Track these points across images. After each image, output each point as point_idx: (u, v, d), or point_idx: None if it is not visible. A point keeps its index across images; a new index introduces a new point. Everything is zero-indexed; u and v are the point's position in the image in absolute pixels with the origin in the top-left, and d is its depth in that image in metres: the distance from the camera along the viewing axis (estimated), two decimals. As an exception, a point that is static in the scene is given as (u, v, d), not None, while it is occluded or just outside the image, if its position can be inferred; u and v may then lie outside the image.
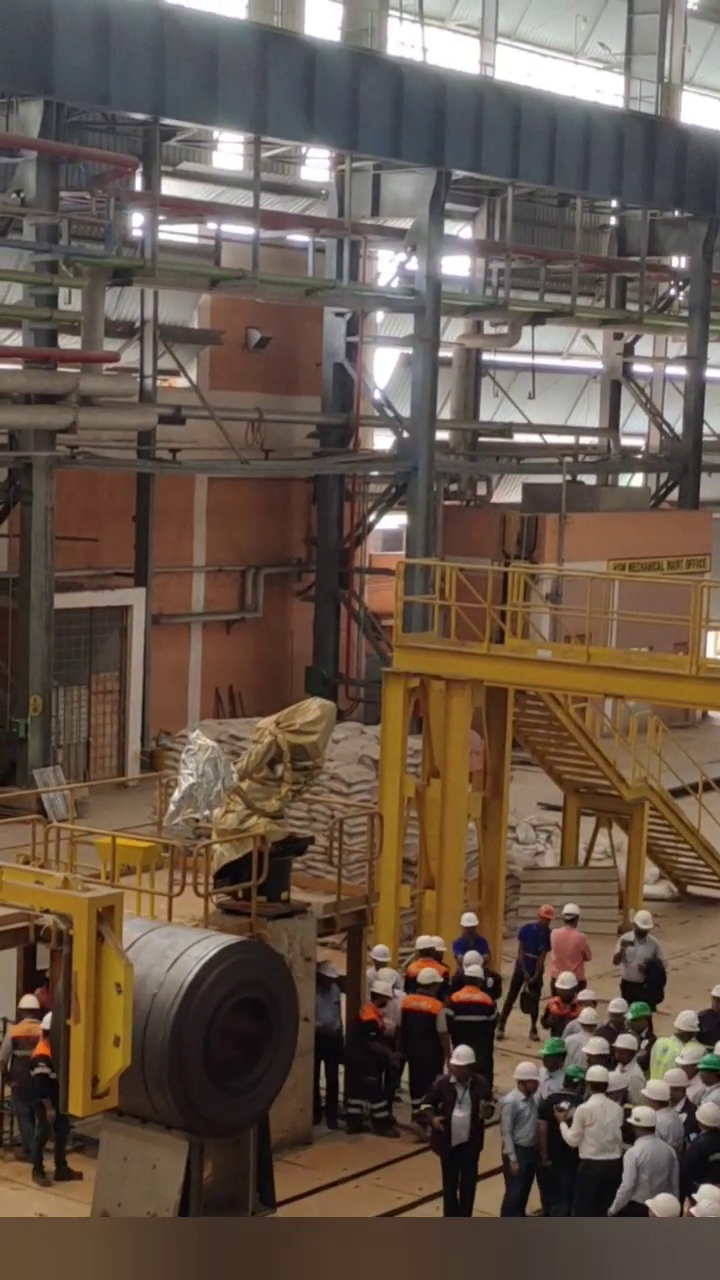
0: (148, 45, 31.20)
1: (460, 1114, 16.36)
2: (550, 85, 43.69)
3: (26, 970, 18.10)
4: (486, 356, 43.22)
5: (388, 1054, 18.76)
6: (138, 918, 16.26)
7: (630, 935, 21.60)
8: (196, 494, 37.59)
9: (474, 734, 22.76)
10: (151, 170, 32.97)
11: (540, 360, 44.07)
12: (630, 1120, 15.52)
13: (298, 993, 16.56)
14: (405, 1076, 19.03)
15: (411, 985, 18.99)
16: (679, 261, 46.21)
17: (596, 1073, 16.05)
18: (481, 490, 43.60)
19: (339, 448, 38.71)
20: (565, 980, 19.52)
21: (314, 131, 34.72)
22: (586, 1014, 18.09)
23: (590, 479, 44.77)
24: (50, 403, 30.87)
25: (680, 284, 46.29)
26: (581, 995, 19.04)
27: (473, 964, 19.25)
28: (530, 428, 43.82)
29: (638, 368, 46.96)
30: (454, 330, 41.69)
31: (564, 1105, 16.07)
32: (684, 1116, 15.79)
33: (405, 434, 37.85)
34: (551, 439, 44.78)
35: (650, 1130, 15.26)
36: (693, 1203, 13.84)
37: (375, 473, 39.48)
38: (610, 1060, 16.59)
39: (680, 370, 45.87)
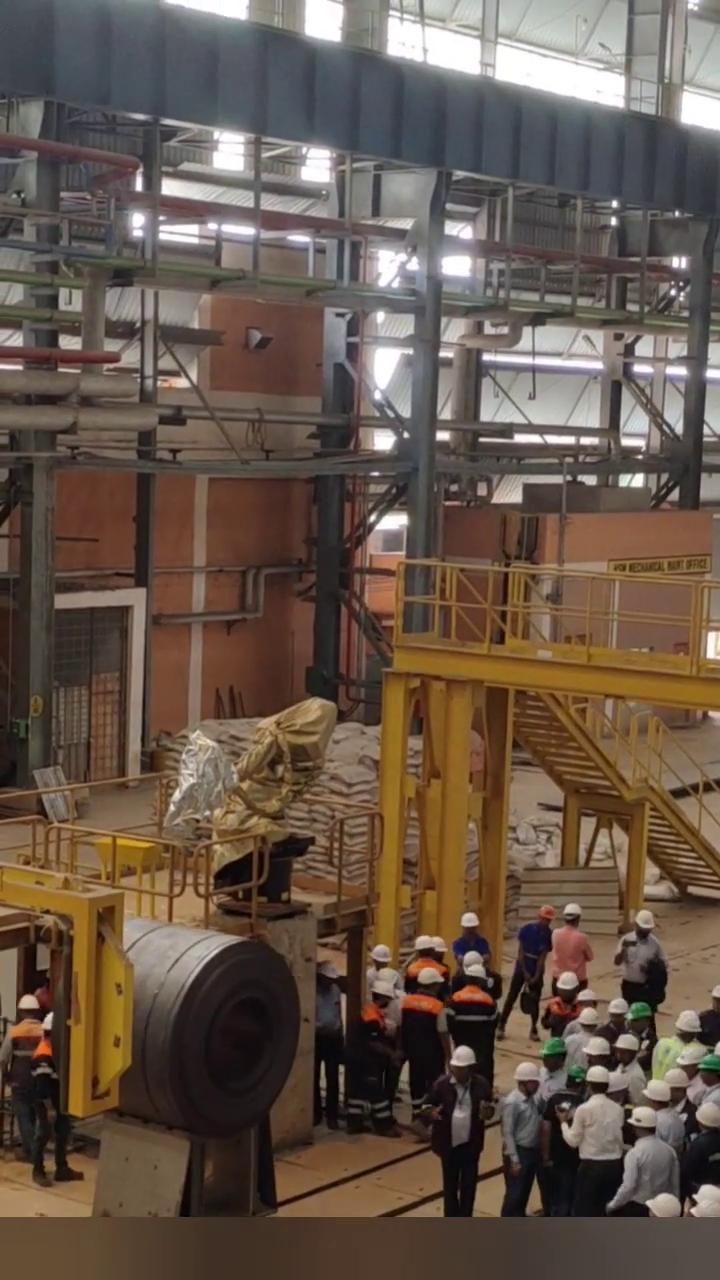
0: (148, 45, 31.21)
1: (460, 1115, 16.36)
2: (551, 86, 43.69)
3: (27, 971, 18.11)
4: (487, 357, 43.22)
5: (389, 1054, 18.77)
6: (139, 918, 16.27)
7: (632, 935, 21.60)
8: (197, 494, 37.60)
9: (474, 734, 22.77)
10: (152, 170, 32.97)
11: (541, 361, 44.08)
12: (631, 1121, 15.52)
13: (299, 993, 16.56)
14: (405, 1077, 19.04)
15: (412, 985, 19.00)
16: (679, 262, 46.21)
17: (597, 1073, 16.05)
18: (482, 491, 43.59)
19: (339, 448, 38.71)
20: (567, 980, 19.52)
21: (314, 132, 34.72)
22: (587, 1014, 18.09)
23: (591, 479, 44.77)
24: (51, 403, 30.88)
25: (681, 284, 46.29)
26: (581, 995, 19.05)
27: (473, 964, 19.26)
28: (531, 428, 43.82)
29: (638, 368, 46.96)
30: (454, 331, 41.70)
31: (565, 1105, 16.07)
32: (684, 1117, 15.79)
33: (406, 434, 37.85)
34: (552, 439, 44.78)
35: (651, 1131, 15.27)
36: (693, 1203, 13.85)
37: (376, 473, 39.48)
38: (611, 1061, 16.60)
39: (681, 371, 45.88)
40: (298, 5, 39.24)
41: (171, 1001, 14.94)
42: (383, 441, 40.69)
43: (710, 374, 46.46)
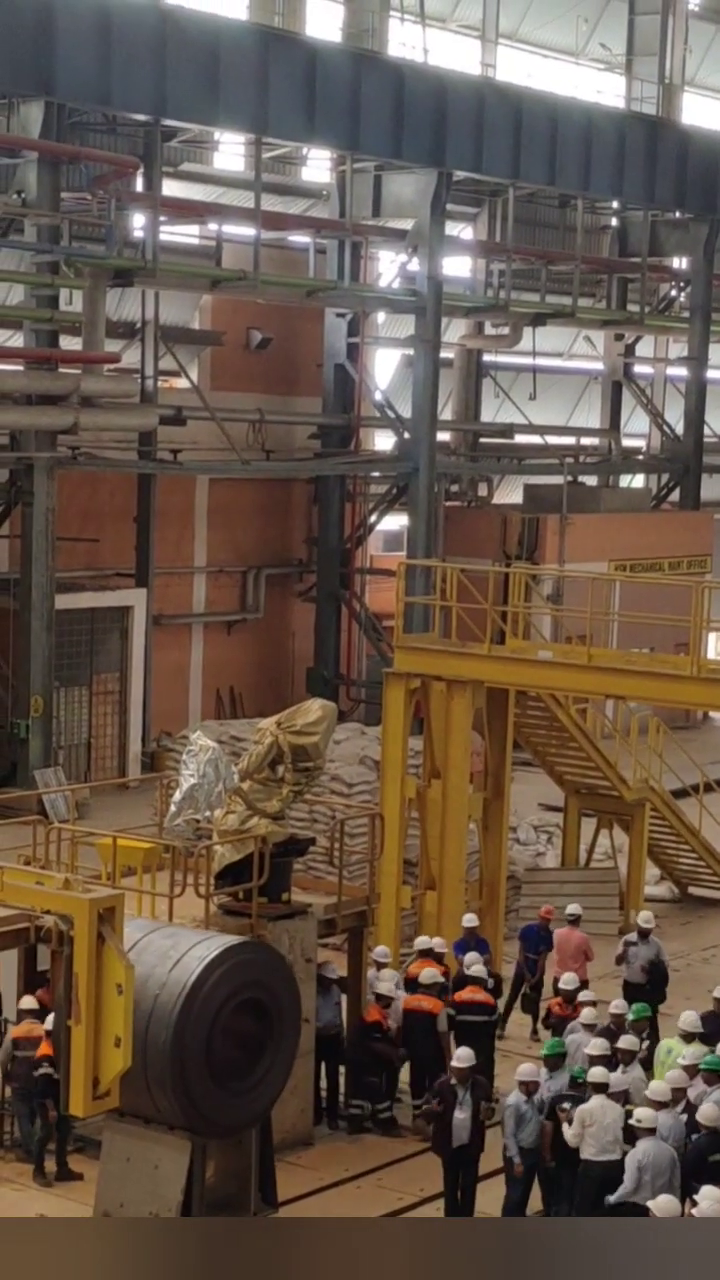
0: (149, 46, 31.21)
1: (461, 1116, 16.36)
2: (551, 86, 43.69)
3: (27, 971, 18.11)
4: (487, 357, 43.23)
5: (392, 1055, 18.76)
6: (140, 918, 16.27)
7: (633, 936, 21.59)
8: (197, 495, 37.60)
9: (475, 735, 22.77)
10: (152, 171, 32.98)
11: (541, 361, 44.09)
12: (631, 1122, 15.52)
13: (300, 993, 16.57)
14: (405, 1077, 19.04)
15: (412, 985, 19.00)
16: (680, 262, 46.21)
17: (597, 1074, 16.05)
18: (482, 491, 43.60)
19: (340, 448, 38.72)
20: (568, 981, 19.52)
21: (315, 132, 34.73)
22: (587, 1014, 18.09)
23: (591, 480, 44.78)
24: (51, 404, 30.88)
25: (681, 285, 46.30)
26: (581, 996, 19.05)
27: (474, 964, 19.27)
28: (531, 428, 43.83)
29: (639, 368, 46.97)
30: (455, 331, 41.70)
31: (566, 1106, 16.07)
32: (685, 1117, 15.79)
33: (406, 435, 37.85)
34: (552, 440, 44.79)
35: (651, 1132, 15.26)
36: (693, 1204, 13.85)
37: (376, 473, 39.49)
38: (612, 1061, 16.60)
39: (681, 371, 45.89)
40: (298, 6, 39.24)
41: (173, 1002, 14.94)
42: (383, 442, 40.70)
43: (711, 374, 46.47)
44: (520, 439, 43.90)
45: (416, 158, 36.25)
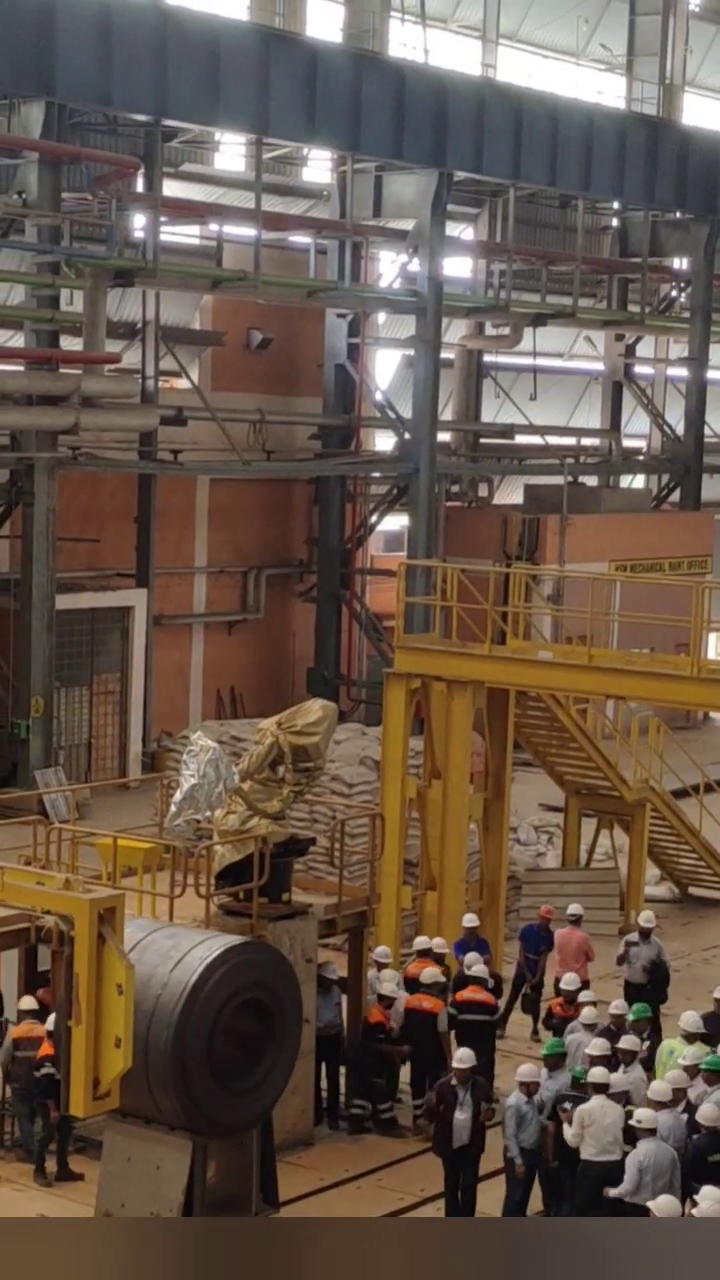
0: (149, 46, 31.22)
1: (461, 1116, 16.37)
2: (552, 86, 43.68)
3: (28, 971, 18.12)
4: (488, 358, 43.24)
5: (395, 1055, 18.76)
6: (141, 919, 16.27)
7: (634, 936, 21.59)
8: (198, 495, 37.61)
9: (475, 735, 22.77)
10: (153, 171, 32.98)
11: (542, 361, 44.10)
12: (632, 1122, 15.52)
13: (301, 993, 16.58)
14: (405, 1077, 19.04)
15: (412, 985, 19.01)
16: (680, 263, 46.22)
17: (598, 1074, 16.05)
18: (483, 491, 43.61)
19: (340, 449, 38.73)
20: (569, 981, 19.52)
21: (315, 133, 34.73)
22: (587, 1014, 18.10)
23: (591, 480, 44.79)
24: (52, 404, 30.89)
25: (682, 285, 46.31)
26: (582, 996, 19.05)
27: (475, 964, 19.27)
28: (532, 429, 43.83)
29: (639, 369, 46.98)
30: (455, 331, 41.70)
31: (567, 1106, 16.08)
32: (685, 1118, 15.79)
33: (407, 435, 37.85)
34: (553, 440, 44.78)
35: (652, 1132, 15.27)
36: (694, 1204, 13.86)
37: (377, 474, 39.49)
38: (612, 1061, 16.60)
39: (681, 371, 45.89)
40: (299, 6, 39.26)
41: (174, 1002, 14.95)
42: (384, 442, 40.70)
43: (711, 375, 46.47)
44: (521, 439, 43.90)
45: (417, 158, 36.25)
